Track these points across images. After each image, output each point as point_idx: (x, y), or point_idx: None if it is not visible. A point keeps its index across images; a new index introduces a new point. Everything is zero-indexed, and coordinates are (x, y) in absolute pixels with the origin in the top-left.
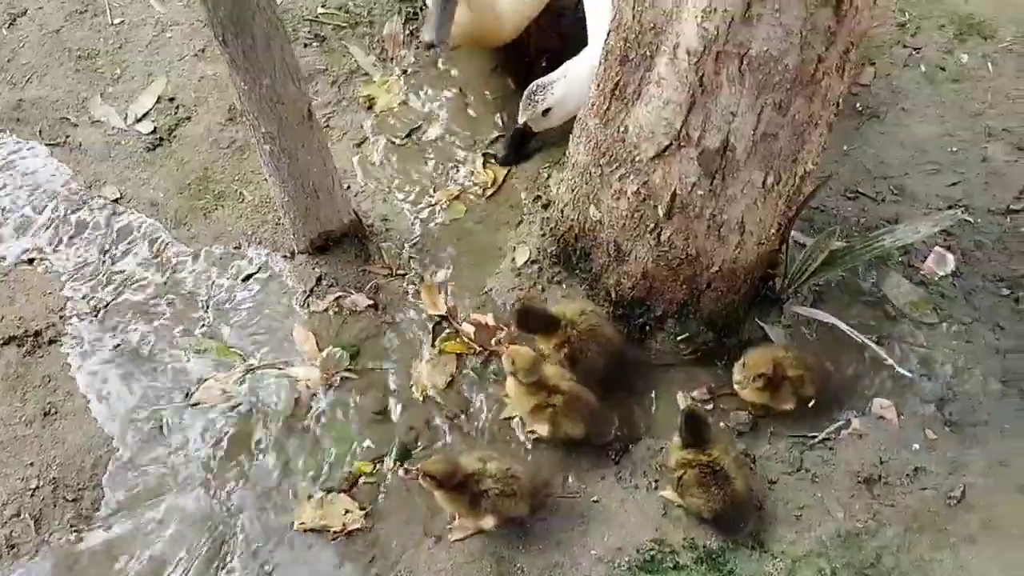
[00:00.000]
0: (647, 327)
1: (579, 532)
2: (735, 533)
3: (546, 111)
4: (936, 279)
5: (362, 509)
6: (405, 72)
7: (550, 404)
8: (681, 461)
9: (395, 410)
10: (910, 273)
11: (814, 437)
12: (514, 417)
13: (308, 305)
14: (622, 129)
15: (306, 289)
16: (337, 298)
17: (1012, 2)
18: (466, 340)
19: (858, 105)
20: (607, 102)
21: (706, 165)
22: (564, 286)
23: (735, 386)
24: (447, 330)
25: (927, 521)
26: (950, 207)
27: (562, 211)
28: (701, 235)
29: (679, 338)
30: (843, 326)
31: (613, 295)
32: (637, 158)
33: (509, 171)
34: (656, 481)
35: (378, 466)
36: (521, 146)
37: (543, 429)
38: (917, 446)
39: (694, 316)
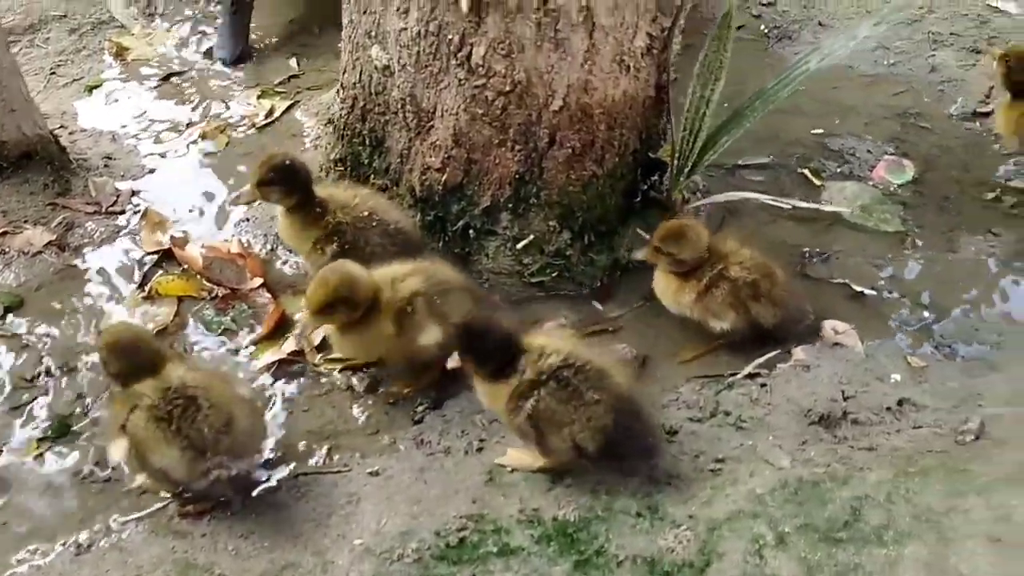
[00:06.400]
0: (471, 230)
1: (339, 518)
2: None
3: None
4: (892, 188)
5: None
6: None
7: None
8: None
9: (56, 375)
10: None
11: (732, 375)
12: None
13: None
14: None
15: None
16: None
17: None
18: (200, 278)
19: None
20: None
21: None
22: None
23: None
24: (166, 271)
25: (933, 463)
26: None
27: (343, 86)
28: (529, 44)
29: (520, 244)
30: (803, 205)
31: (419, 188)
32: None
33: (293, 104)
34: (481, 442)
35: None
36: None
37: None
38: (898, 377)
39: (537, 201)
